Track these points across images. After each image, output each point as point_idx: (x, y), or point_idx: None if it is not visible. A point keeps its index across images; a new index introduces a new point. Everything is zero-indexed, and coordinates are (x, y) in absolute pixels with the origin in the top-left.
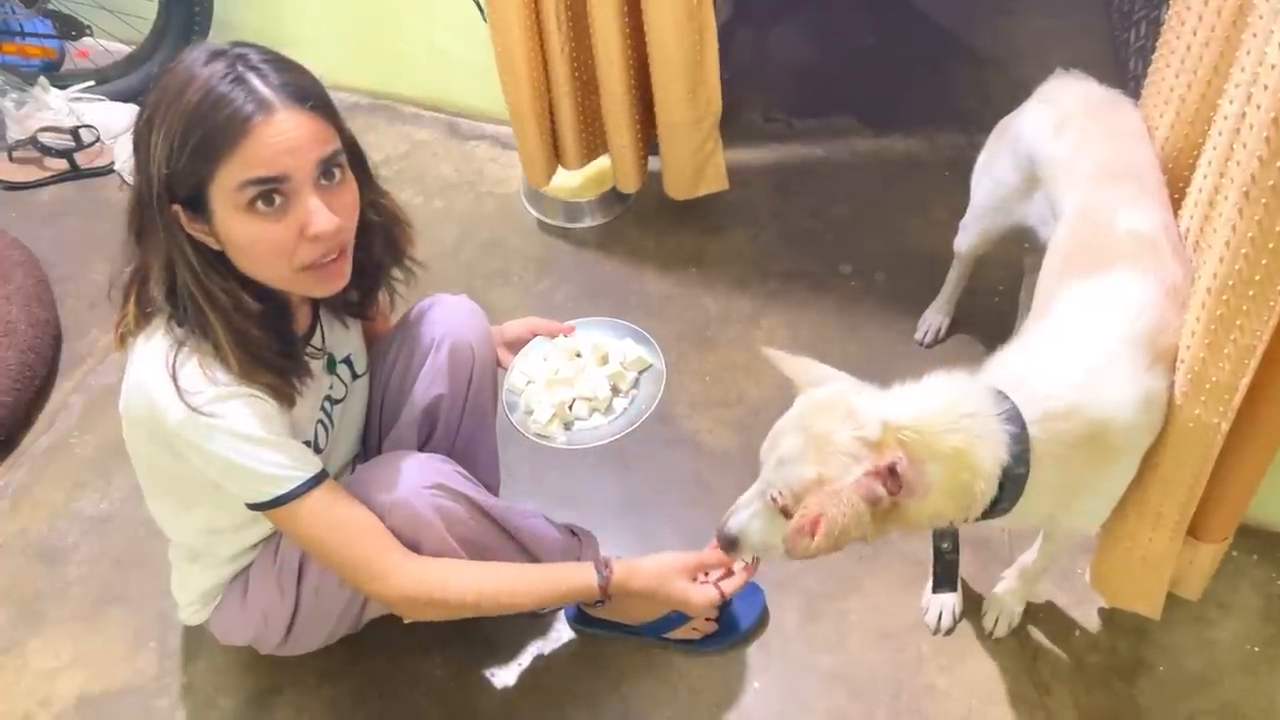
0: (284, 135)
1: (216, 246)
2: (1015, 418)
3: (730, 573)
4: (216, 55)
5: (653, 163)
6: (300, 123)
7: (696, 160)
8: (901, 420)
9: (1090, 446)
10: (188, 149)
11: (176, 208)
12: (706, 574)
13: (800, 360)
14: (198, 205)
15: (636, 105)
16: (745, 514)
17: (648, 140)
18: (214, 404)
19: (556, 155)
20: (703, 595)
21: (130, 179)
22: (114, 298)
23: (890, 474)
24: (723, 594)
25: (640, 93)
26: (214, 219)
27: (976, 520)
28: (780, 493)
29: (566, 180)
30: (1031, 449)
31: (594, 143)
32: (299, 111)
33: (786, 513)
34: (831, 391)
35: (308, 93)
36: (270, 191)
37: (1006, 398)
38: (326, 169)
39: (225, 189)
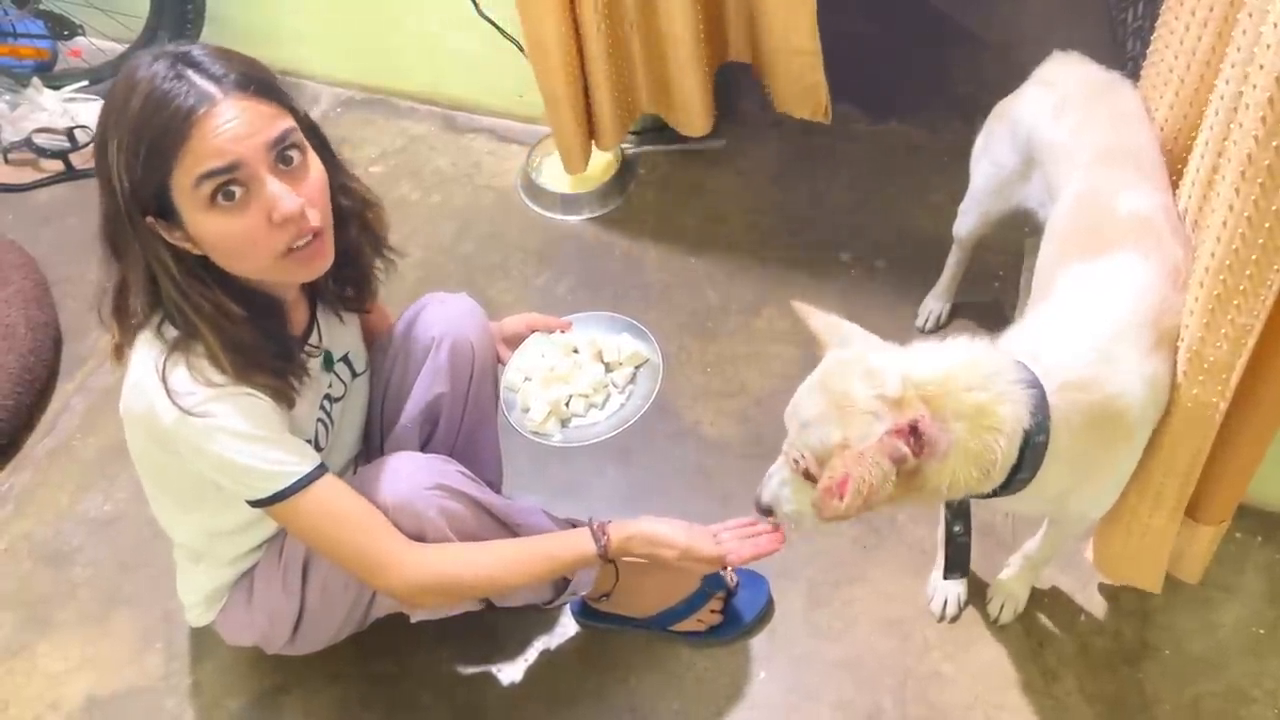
0: (229, 123)
1: (198, 252)
2: (1035, 384)
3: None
4: (159, 57)
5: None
6: (244, 108)
7: (805, 84)
8: (922, 376)
9: (1104, 421)
10: (141, 157)
11: (151, 219)
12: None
13: (827, 317)
14: (166, 212)
15: (705, 47)
16: (775, 481)
17: (713, 80)
18: (206, 404)
19: (592, 137)
20: (707, 547)
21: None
22: (104, 315)
23: (912, 432)
24: (725, 558)
25: (707, 33)
26: (184, 223)
27: (996, 493)
28: (803, 455)
29: (564, 172)
30: (1051, 417)
31: (625, 118)
32: (242, 97)
33: (809, 475)
34: (852, 351)
35: (249, 78)
36: (227, 183)
37: (1026, 367)
38: (281, 152)
39: (184, 189)
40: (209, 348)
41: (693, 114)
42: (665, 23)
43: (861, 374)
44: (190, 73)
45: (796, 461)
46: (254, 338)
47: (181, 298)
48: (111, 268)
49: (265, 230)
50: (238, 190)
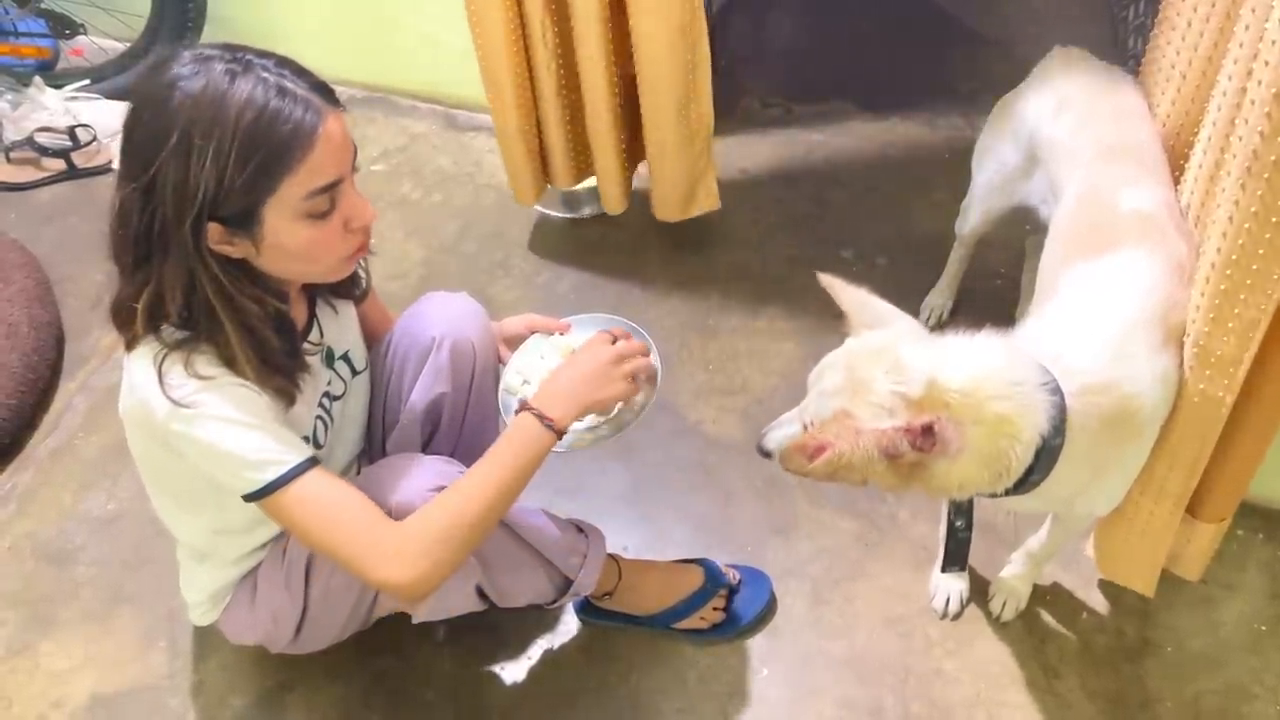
0: (337, 139)
1: (239, 255)
2: (1057, 390)
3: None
4: (233, 66)
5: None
6: (342, 122)
7: (689, 180)
8: (951, 382)
9: (1119, 422)
10: (249, 167)
11: (215, 225)
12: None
13: (858, 293)
14: (245, 220)
15: (623, 126)
16: (783, 432)
17: (634, 161)
18: (195, 395)
19: (546, 174)
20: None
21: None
22: (116, 317)
23: (923, 433)
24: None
25: (626, 112)
26: (262, 229)
27: (1007, 492)
28: (813, 422)
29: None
30: (1068, 420)
31: (584, 162)
32: (337, 111)
33: None
34: (885, 336)
35: (331, 91)
36: (330, 195)
37: (1048, 370)
38: (354, 162)
39: (288, 200)
40: (225, 349)
41: (611, 190)
42: (588, 92)
43: (889, 365)
44: (288, 85)
45: (806, 427)
46: (276, 337)
47: (223, 299)
48: (141, 272)
49: (340, 236)
50: (329, 201)
